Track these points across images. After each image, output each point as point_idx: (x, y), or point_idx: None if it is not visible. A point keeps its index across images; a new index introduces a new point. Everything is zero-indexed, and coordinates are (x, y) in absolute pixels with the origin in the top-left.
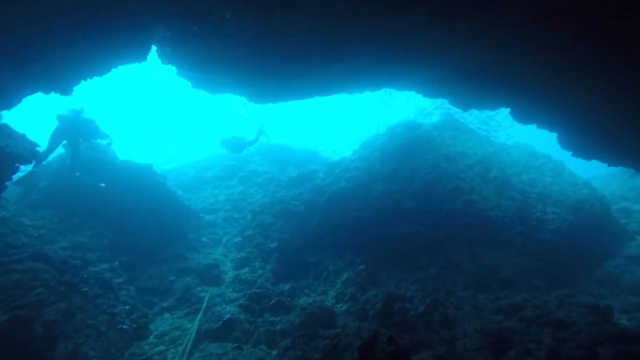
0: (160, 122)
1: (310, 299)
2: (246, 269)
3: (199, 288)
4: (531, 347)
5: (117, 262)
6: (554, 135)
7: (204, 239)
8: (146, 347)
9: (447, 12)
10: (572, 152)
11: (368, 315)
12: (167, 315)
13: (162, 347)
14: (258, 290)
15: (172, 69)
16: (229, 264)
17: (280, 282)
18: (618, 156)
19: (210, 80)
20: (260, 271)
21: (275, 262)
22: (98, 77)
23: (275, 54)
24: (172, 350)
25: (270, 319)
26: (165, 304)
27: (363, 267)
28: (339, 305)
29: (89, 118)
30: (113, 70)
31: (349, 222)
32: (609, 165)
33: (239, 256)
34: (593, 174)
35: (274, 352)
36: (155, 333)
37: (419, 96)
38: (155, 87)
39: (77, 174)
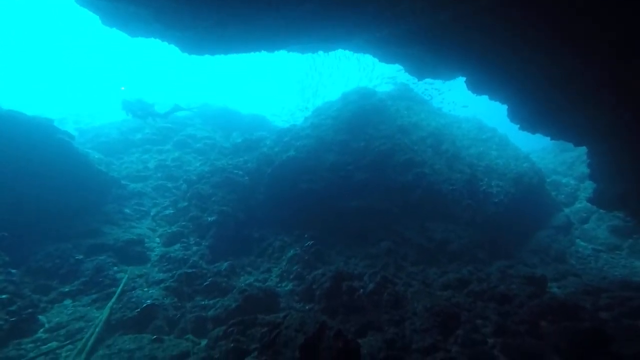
0: (80, 72)
1: (251, 278)
2: (177, 246)
3: (115, 268)
4: (478, 323)
5: None
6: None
7: (127, 211)
8: (30, 345)
9: None
10: (519, 125)
11: (314, 296)
12: (68, 302)
13: (53, 344)
14: (190, 270)
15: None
16: (157, 240)
17: (218, 260)
18: (559, 130)
19: (123, 12)
20: (194, 248)
21: (213, 238)
22: None
23: None
24: (68, 347)
25: (203, 303)
26: (66, 289)
27: (311, 242)
28: (283, 285)
29: None
30: None
31: (299, 194)
32: (552, 139)
33: (169, 231)
34: (530, 149)
35: (203, 342)
36: (47, 326)
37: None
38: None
39: None
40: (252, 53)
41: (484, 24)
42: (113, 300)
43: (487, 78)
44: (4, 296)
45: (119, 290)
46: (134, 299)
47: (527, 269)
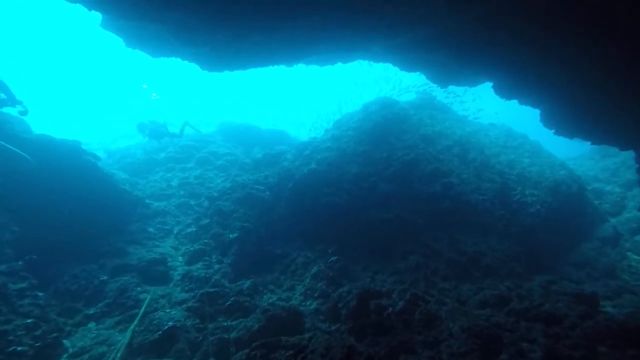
0: (108, 94)
1: (274, 297)
2: (200, 264)
3: (139, 288)
4: (524, 347)
5: (20, 262)
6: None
7: (151, 230)
8: None
9: None
10: (554, 130)
11: (340, 315)
12: (92, 325)
13: None
14: (212, 290)
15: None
16: (180, 259)
17: (240, 278)
18: (601, 134)
19: (145, 34)
20: (216, 266)
21: (234, 255)
22: None
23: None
24: None
25: (225, 324)
26: (91, 311)
27: (335, 258)
28: (307, 303)
29: None
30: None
31: (321, 208)
32: (592, 144)
33: (192, 249)
34: (565, 156)
35: None
36: (71, 351)
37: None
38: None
39: None
40: (270, 67)
41: (511, 24)
42: (135, 322)
43: (516, 81)
44: (29, 320)
45: (141, 312)
46: (155, 321)
47: (574, 284)
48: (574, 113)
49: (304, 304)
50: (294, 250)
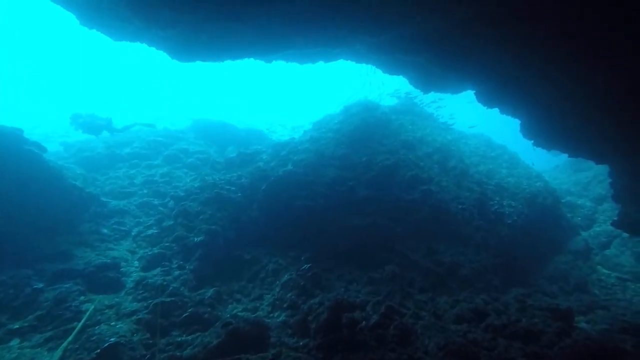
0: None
1: (240, 307)
2: (157, 270)
3: (82, 297)
4: None
5: None
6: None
7: (105, 231)
8: None
9: None
10: (533, 141)
11: (310, 330)
12: (15, 342)
13: None
14: (168, 299)
15: None
16: (136, 264)
17: (203, 285)
18: (578, 147)
19: (97, 8)
20: (176, 272)
21: (198, 260)
22: None
23: None
24: None
25: (179, 339)
26: (16, 325)
27: (308, 266)
28: (275, 315)
29: None
30: None
31: (295, 212)
32: (570, 156)
33: (150, 253)
34: (540, 168)
35: None
36: None
37: None
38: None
39: None
40: (254, 66)
41: (497, 32)
42: (69, 339)
43: (499, 90)
44: None
45: (79, 325)
46: (94, 337)
47: (548, 299)
48: (552, 125)
49: (271, 315)
50: (265, 256)
